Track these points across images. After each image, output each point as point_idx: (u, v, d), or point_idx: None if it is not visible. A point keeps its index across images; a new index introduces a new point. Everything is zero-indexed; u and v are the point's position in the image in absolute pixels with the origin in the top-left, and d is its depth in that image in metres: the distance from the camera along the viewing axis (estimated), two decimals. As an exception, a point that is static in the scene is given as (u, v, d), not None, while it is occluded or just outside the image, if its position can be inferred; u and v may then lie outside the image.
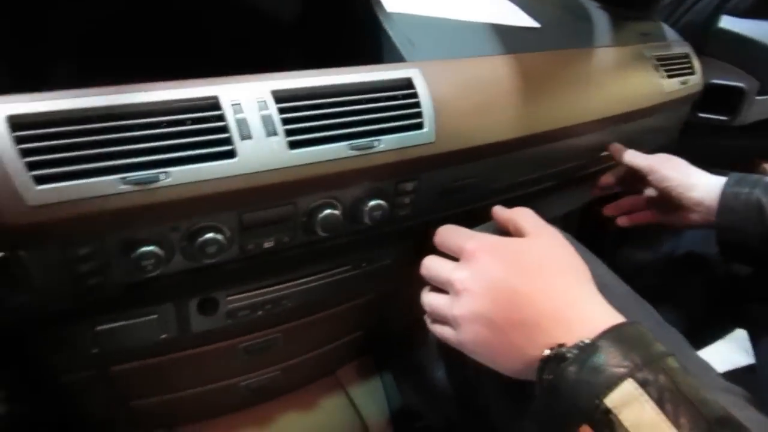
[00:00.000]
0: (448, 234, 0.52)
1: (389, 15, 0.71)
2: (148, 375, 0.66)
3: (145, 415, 0.72)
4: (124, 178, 0.46)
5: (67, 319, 0.55)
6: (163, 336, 0.61)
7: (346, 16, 0.75)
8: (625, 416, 0.35)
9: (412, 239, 0.75)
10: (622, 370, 0.37)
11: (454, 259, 0.51)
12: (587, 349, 0.38)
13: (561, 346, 0.40)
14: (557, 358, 0.39)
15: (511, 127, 0.69)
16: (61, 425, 0.69)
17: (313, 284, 0.67)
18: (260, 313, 0.65)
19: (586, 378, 0.37)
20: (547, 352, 0.41)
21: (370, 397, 0.86)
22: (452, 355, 0.58)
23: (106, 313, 0.56)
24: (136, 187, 0.47)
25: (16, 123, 0.44)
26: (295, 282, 0.66)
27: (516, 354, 0.43)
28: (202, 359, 0.67)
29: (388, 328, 0.85)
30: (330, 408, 0.84)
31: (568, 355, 0.39)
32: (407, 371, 0.79)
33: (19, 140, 0.44)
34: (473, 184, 0.69)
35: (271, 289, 0.65)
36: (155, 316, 0.59)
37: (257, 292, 0.64)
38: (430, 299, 0.52)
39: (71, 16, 0.67)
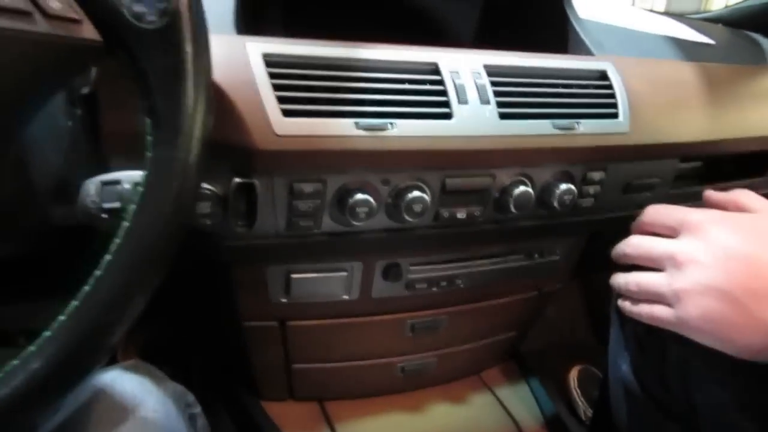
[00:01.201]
0: (663, 210, 0.50)
1: (577, 14, 0.73)
2: (318, 337, 0.67)
3: (301, 383, 0.73)
4: (357, 122, 0.49)
5: (268, 260, 0.57)
6: (345, 297, 0.62)
7: (532, 7, 0.77)
8: None
9: (580, 239, 0.74)
10: None
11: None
12: None
13: None
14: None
15: (701, 129, 0.67)
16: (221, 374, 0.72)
17: (487, 267, 0.67)
18: (435, 289, 0.66)
19: None
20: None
21: (519, 399, 0.84)
22: (646, 344, 0.55)
23: (303, 261, 0.59)
24: (367, 132, 0.49)
25: (270, 60, 0.49)
26: (471, 262, 0.66)
27: (760, 328, 0.40)
28: (371, 329, 0.68)
29: (538, 329, 0.84)
30: (479, 405, 0.81)
31: None
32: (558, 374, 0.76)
33: (272, 75, 0.48)
34: (656, 185, 0.67)
35: (450, 265, 0.65)
36: (344, 273, 0.61)
37: (437, 266, 0.64)
38: (636, 277, 0.50)
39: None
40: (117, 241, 0.32)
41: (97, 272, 0.31)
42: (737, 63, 0.81)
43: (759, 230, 0.44)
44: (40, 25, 0.30)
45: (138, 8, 0.32)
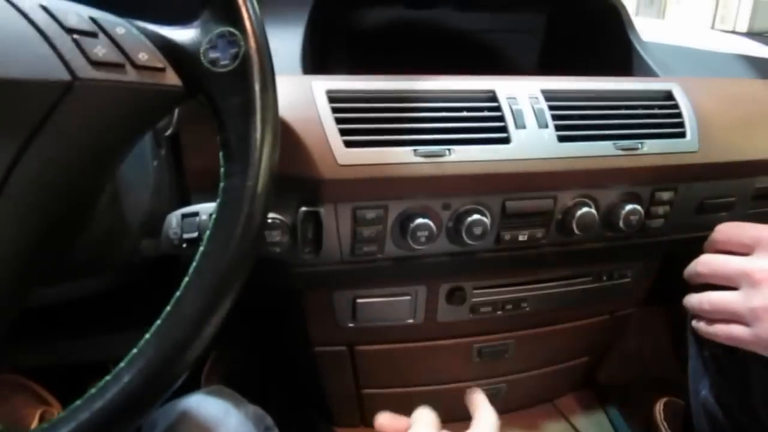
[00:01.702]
0: (736, 227, 0.49)
1: (640, 37, 0.72)
2: (386, 361, 0.69)
3: (371, 408, 0.74)
4: (416, 150, 0.51)
5: (335, 285, 0.60)
6: (410, 321, 0.64)
7: (594, 34, 0.77)
8: None
9: (653, 261, 0.72)
10: None
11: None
12: None
13: None
14: None
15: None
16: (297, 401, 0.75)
17: (553, 290, 0.67)
18: (500, 312, 0.66)
19: None
20: None
21: (598, 429, 0.80)
22: (726, 366, 0.52)
23: (368, 286, 0.61)
24: (426, 159, 0.51)
25: (332, 96, 0.52)
26: (538, 285, 0.66)
27: None
28: (437, 354, 0.69)
29: (614, 355, 0.81)
30: (554, 434, 0.79)
31: None
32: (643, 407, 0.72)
33: (334, 110, 0.51)
34: (732, 204, 0.65)
35: (514, 288, 0.65)
36: (408, 297, 0.62)
37: (501, 289, 0.65)
38: (710, 296, 0.48)
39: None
40: (194, 263, 0.35)
41: (177, 293, 0.35)
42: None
43: None
44: (131, 75, 0.34)
45: (213, 54, 0.36)
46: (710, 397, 0.54)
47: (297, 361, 0.76)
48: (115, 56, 0.34)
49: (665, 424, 1.07)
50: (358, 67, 0.74)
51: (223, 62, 0.36)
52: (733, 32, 1.34)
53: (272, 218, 0.52)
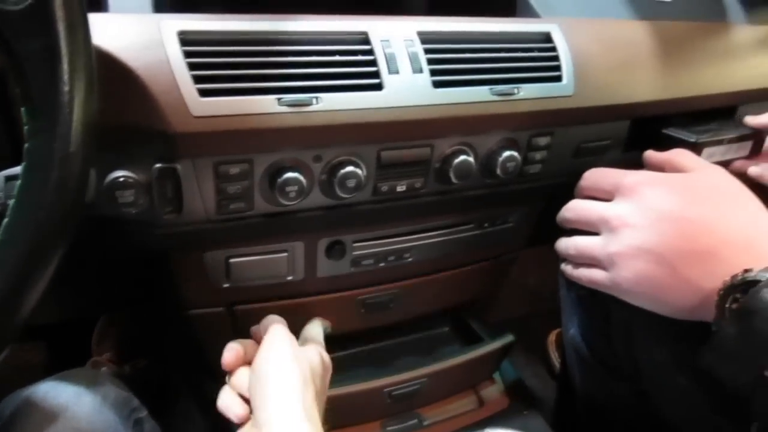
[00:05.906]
0: (600, 173, 0.50)
1: (522, -25, 0.70)
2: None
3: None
4: (280, 98, 0.47)
5: (204, 245, 0.56)
6: (290, 277, 0.61)
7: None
8: None
9: (534, 206, 0.73)
10: None
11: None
12: None
13: (747, 272, 0.37)
14: (745, 284, 0.36)
15: (651, 89, 0.65)
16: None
17: (436, 239, 0.66)
18: (382, 264, 0.65)
19: None
20: (728, 280, 0.37)
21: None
22: (589, 306, 0.55)
23: (241, 244, 0.57)
24: (291, 109, 0.48)
25: (185, 39, 0.46)
26: (419, 235, 0.65)
27: (688, 289, 0.40)
28: (321, 309, 0.67)
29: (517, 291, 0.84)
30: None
31: (762, 278, 0.35)
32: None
33: (187, 54, 0.46)
34: (607, 147, 0.66)
35: (396, 239, 0.64)
36: (285, 254, 0.59)
37: (383, 240, 0.63)
38: (575, 242, 0.49)
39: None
40: None
41: None
42: (695, 20, 0.79)
43: (692, 190, 0.43)
44: None
45: (0, -12, 0.30)
46: (577, 335, 0.57)
47: (179, 323, 0.72)
48: None
49: (556, 353, 1.15)
50: (234, 6, 0.68)
51: (13, -3, 0.30)
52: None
53: (124, 176, 0.47)
